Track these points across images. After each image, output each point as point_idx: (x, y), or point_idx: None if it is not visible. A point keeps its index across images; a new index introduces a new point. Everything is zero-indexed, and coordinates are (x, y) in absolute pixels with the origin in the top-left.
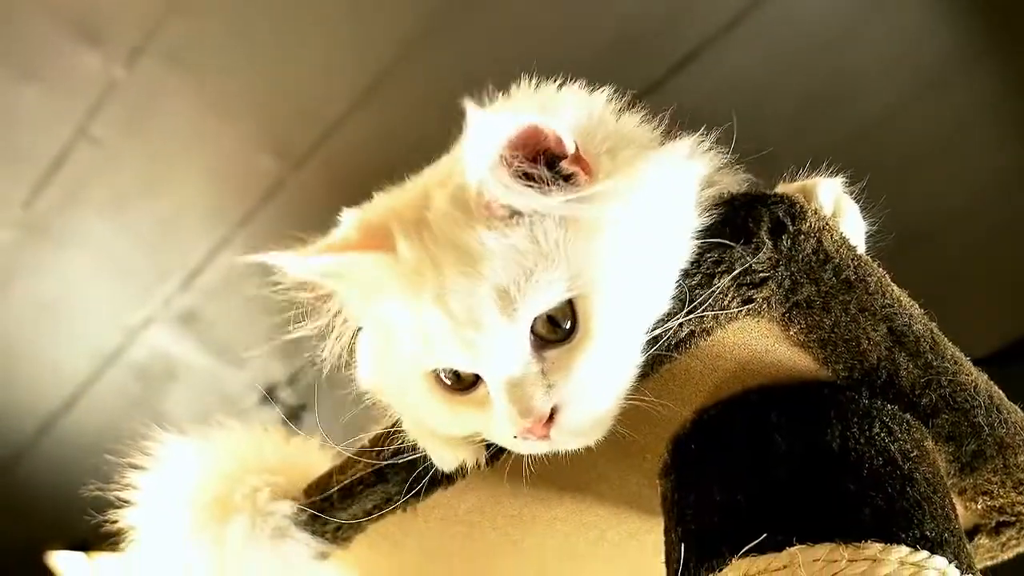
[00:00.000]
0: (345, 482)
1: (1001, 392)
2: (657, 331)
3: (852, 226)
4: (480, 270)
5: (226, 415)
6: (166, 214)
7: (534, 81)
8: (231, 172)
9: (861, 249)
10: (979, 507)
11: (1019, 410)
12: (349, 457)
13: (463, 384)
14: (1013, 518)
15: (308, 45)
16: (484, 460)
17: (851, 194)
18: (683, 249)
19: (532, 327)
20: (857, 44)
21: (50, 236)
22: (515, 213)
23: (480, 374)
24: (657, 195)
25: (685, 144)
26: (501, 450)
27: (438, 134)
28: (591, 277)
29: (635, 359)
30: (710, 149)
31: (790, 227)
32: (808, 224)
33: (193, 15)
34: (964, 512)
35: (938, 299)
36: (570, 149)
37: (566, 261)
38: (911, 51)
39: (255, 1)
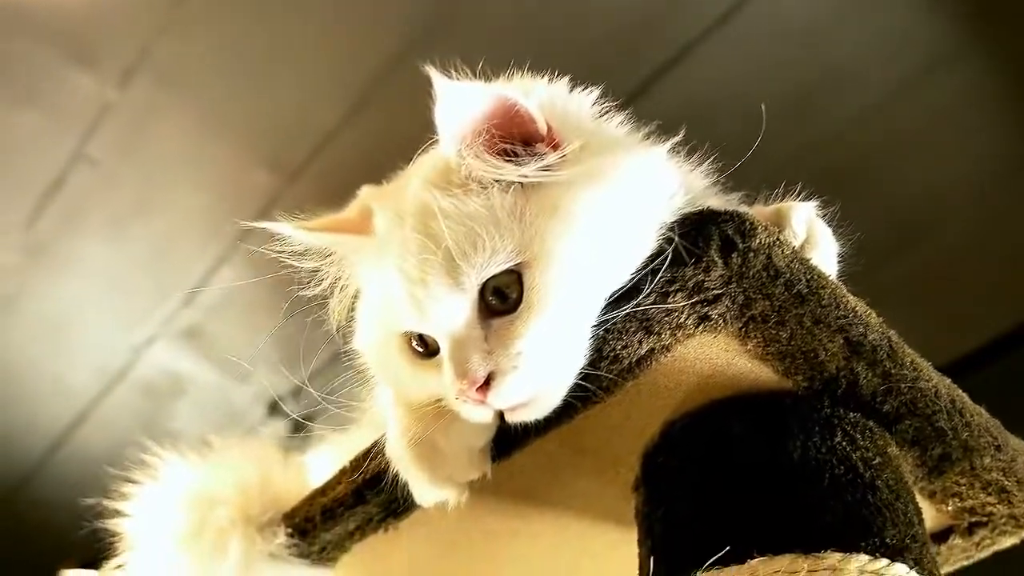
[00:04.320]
0: (326, 503)
1: (964, 395)
2: (618, 349)
3: (825, 249)
4: (434, 232)
5: (233, 429)
6: (164, 232)
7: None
8: (227, 188)
9: (833, 271)
10: (950, 509)
11: (983, 412)
12: (330, 479)
13: (428, 350)
14: (985, 518)
15: (299, 58)
16: (463, 501)
17: (823, 217)
18: (643, 241)
19: (483, 294)
20: (841, 41)
21: (52, 258)
22: (478, 183)
23: (429, 333)
24: (620, 189)
25: (659, 150)
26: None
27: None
28: (539, 251)
29: (581, 338)
30: (688, 156)
31: (739, 244)
32: (758, 240)
33: (183, 34)
34: (936, 514)
35: (936, 289)
36: (542, 129)
37: (519, 233)
38: (894, 46)
39: (243, 18)
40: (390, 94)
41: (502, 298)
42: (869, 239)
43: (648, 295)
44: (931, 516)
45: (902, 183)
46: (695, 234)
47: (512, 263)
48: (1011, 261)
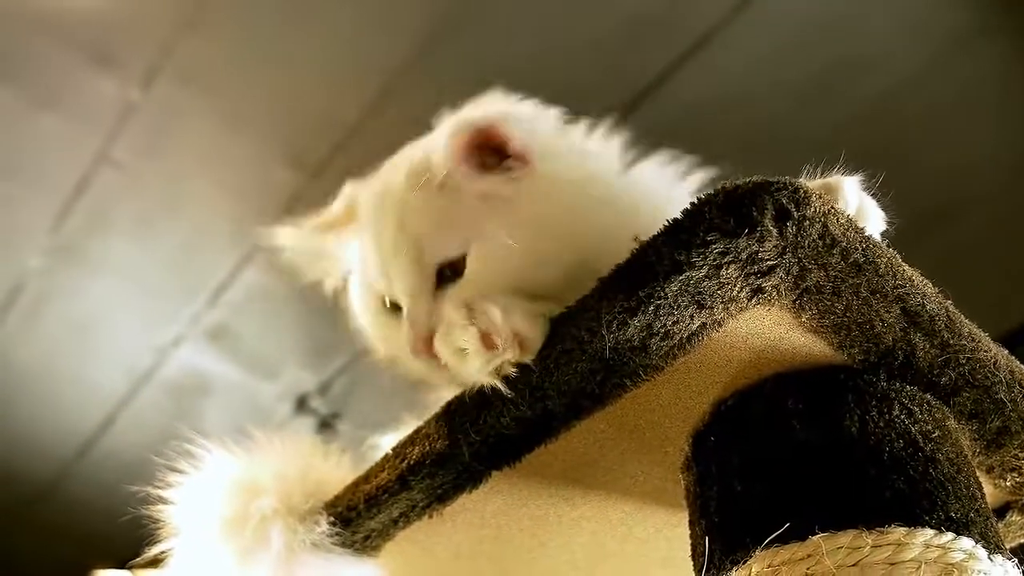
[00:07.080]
0: (370, 491)
1: (1022, 366)
2: (669, 325)
3: (874, 222)
4: (407, 222)
5: (261, 427)
6: (189, 232)
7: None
8: (251, 186)
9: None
10: (1008, 483)
11: None
12: (373, 466)
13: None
14: None
15: (319, 55)
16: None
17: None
18: (584, 245)
19: (441, 269)
20: (862, 26)
21: (78, 260)
22: (451, 187)
23: (394, 298)
24: (565, 208)
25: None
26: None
27: None
28: (482, 241)
29: None
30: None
31: (795, 213)
32: (813, 209)
33: (203, 33)
34: (993, 490)
35: (960, 276)
36: (517, 149)
37: (471, 227)
38: (916, 30)
39: (263, 15)
40: (412, 85)
41: (455, 272)
42: (896, 221)
43: (700, 268)
44: (989, 492)
45: (929, 164)
46: (748, 203)
47: (459, 251)
48: None
